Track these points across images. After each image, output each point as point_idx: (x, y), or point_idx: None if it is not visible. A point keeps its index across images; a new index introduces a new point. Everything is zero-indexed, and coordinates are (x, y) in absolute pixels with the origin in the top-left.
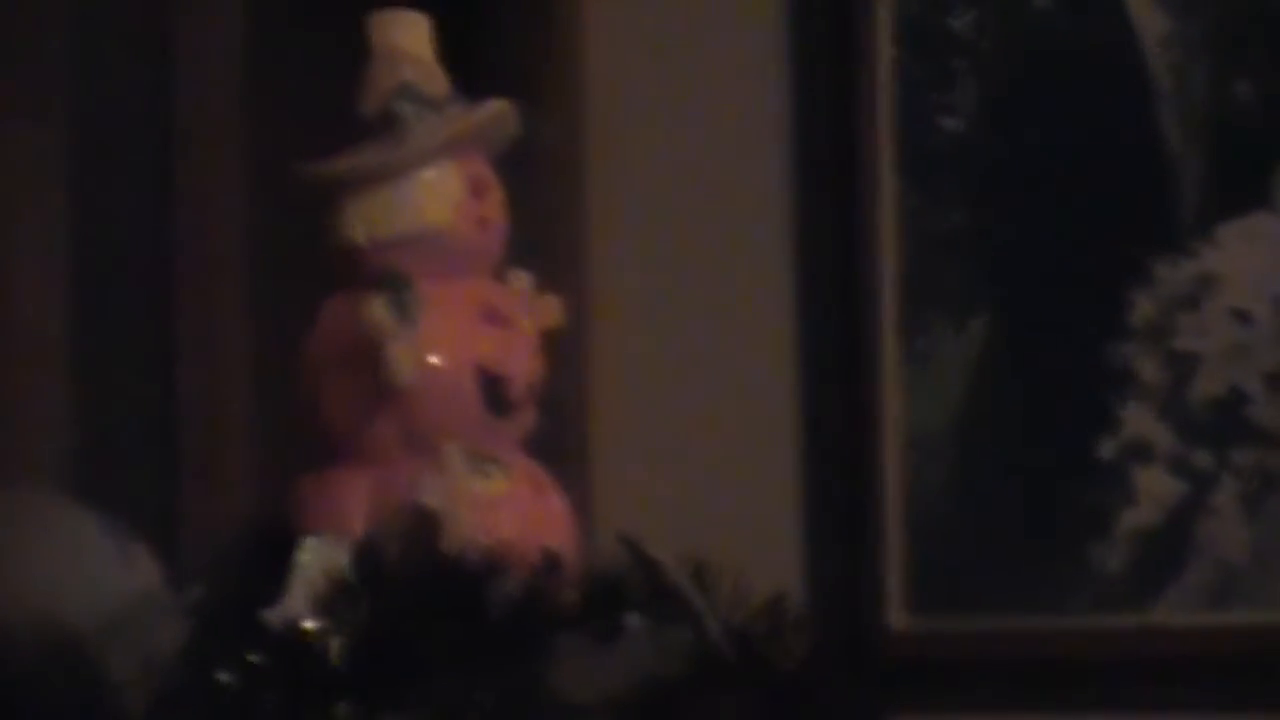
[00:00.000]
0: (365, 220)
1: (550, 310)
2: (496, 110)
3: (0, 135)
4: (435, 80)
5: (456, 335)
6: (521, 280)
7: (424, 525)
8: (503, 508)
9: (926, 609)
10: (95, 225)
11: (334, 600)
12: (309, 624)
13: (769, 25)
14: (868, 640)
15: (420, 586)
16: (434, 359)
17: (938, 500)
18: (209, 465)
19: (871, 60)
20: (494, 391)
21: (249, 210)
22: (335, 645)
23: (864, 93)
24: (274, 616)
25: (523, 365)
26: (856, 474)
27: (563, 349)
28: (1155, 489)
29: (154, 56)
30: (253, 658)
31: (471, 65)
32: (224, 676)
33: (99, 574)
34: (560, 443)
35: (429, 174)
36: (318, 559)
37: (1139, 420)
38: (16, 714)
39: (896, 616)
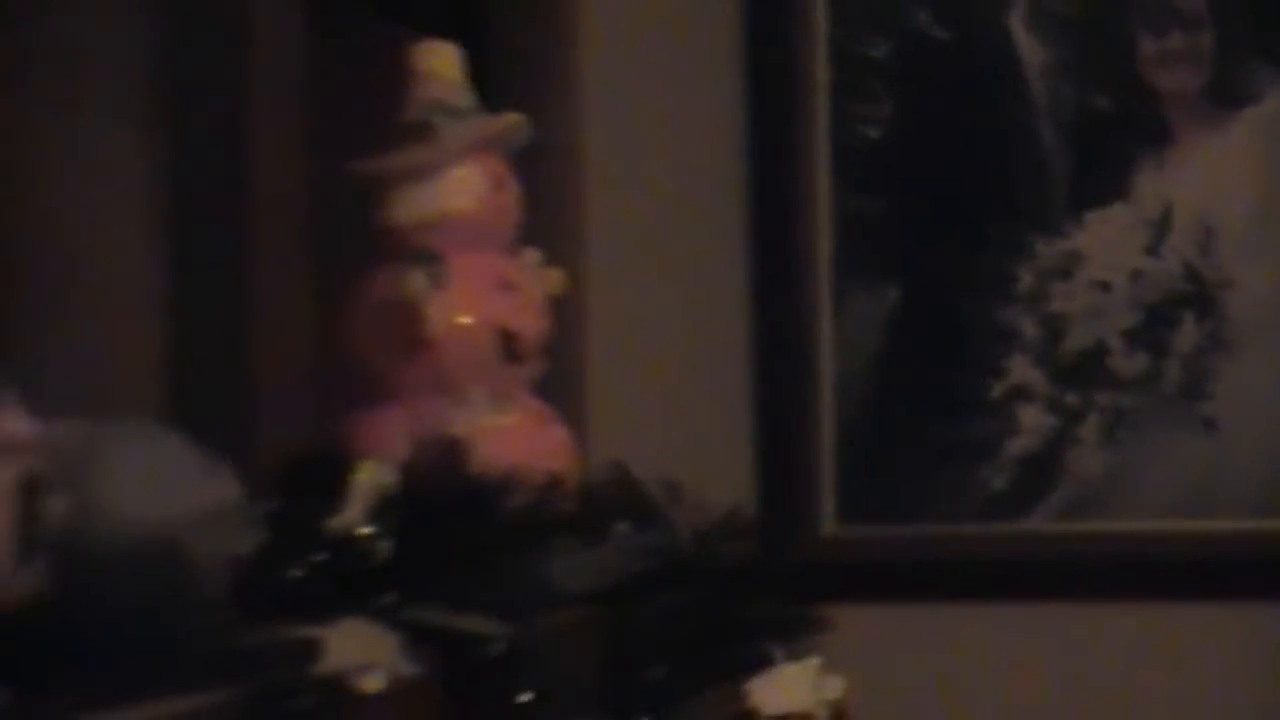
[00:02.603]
0: (406, 206)
1: (553, 280)
2: (510, 121)
3: (94, 120)
4: (462, 96)
5: (478, 299)
6: (530, 256)
7: (451, 451)
8: (514, 437)
9: (851, 519)
10: (182, 200)
11: (381, 511)
12: (362, 530)
13: (730, 54)
14: (804, 544)
15: (448, 499)
16: (459, 318)
17: (860, 431)
18: (278, 401)
19: (810, 82)
20: (508, 344)
21: (312, 191)
22: (382, 547)
23: (804, 107)
24: (334, 524)
25: (531, 323)
26: (796, 411)
27: (563, 310)
28: (1033, 423)
29: (229, 64)
30: (315, 557)
31: (490, 81)
32: (292, 572)
33: (189, 488)
34: (561, 385)
35: (457, 171)
36: (369, 478)
37: (1021, 368)
38: (123, 600)
39: (827, 525)
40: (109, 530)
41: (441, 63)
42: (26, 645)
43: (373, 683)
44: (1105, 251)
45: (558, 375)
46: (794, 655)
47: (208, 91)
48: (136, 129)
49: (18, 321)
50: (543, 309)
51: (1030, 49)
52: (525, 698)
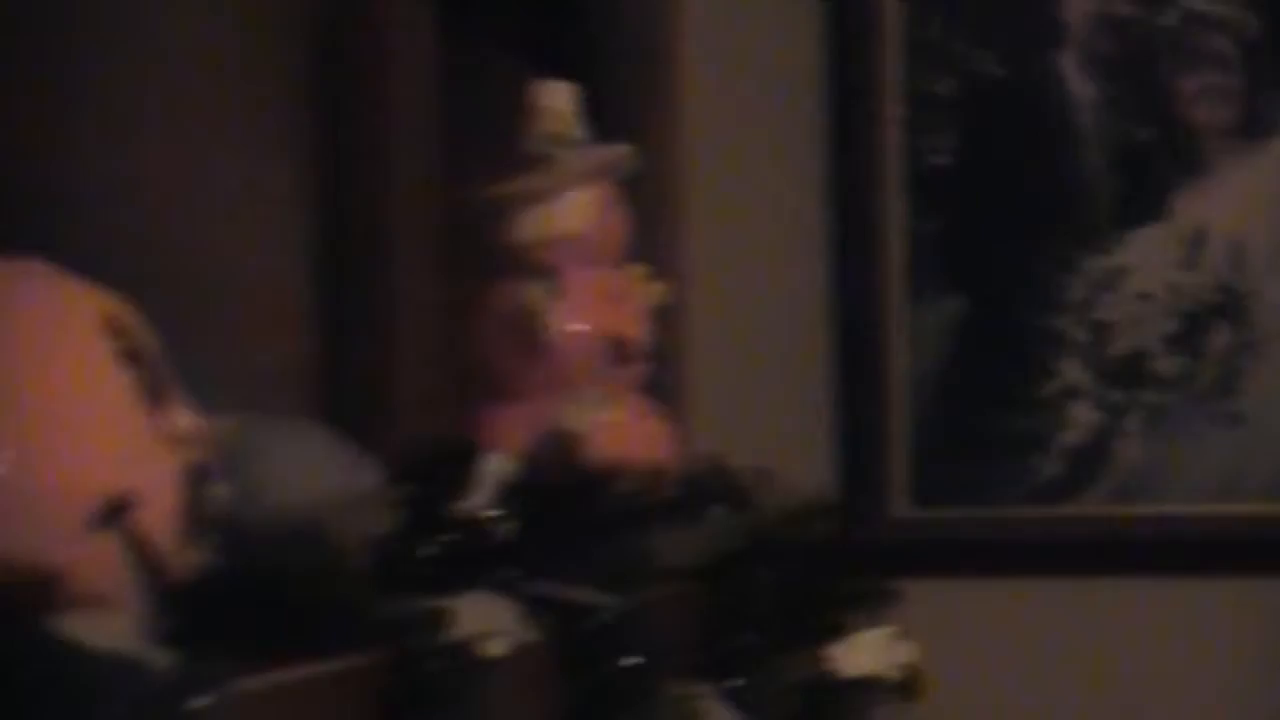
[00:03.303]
0: (527, 226)
1: (656, 291)
2: (618, 151)
3: (251, 148)
4: (576, 129)
5: (590, 309)
6: (636, 270)
7: (567, 444)
8: (622, 431)
9: (921, 503)
10: (329, 218)
11: (505, 496)
12: (487, 513)
13: (815, 91)
14: (878, 525)
15: (564, 486)
16: (574, 326)
17: (930, 425)
18: (414, 399)
19: (885, 117)
20: (616, 349)
21: (445, 211)
22: (505, 528)
23: (880, 138)
24: (462, 508)
25: (637, 330)
26: (872, 407)
27: (665, 319)
28: (1082, 418)
29: (372, 97)
30: (446, 537)
31: (601, 114)
32: (425, 550)
33: (335, 476)
34: (664, 385)
35: (571, 195)
36: (495, 467)
37: (1071, 369)
38: (278, 575)
39: (900, 508)
40: (265, 514)
41: (559, 99)
42: (194, 614)
43: (496, 648)
44: (1146, 266)
45: (660, 376)
46: (869, 624)
47: (352, 121)
48: (288, 155)
49: (185, 329)
50: (647, 317)
51: (1080, 87)
52: (630, 661)
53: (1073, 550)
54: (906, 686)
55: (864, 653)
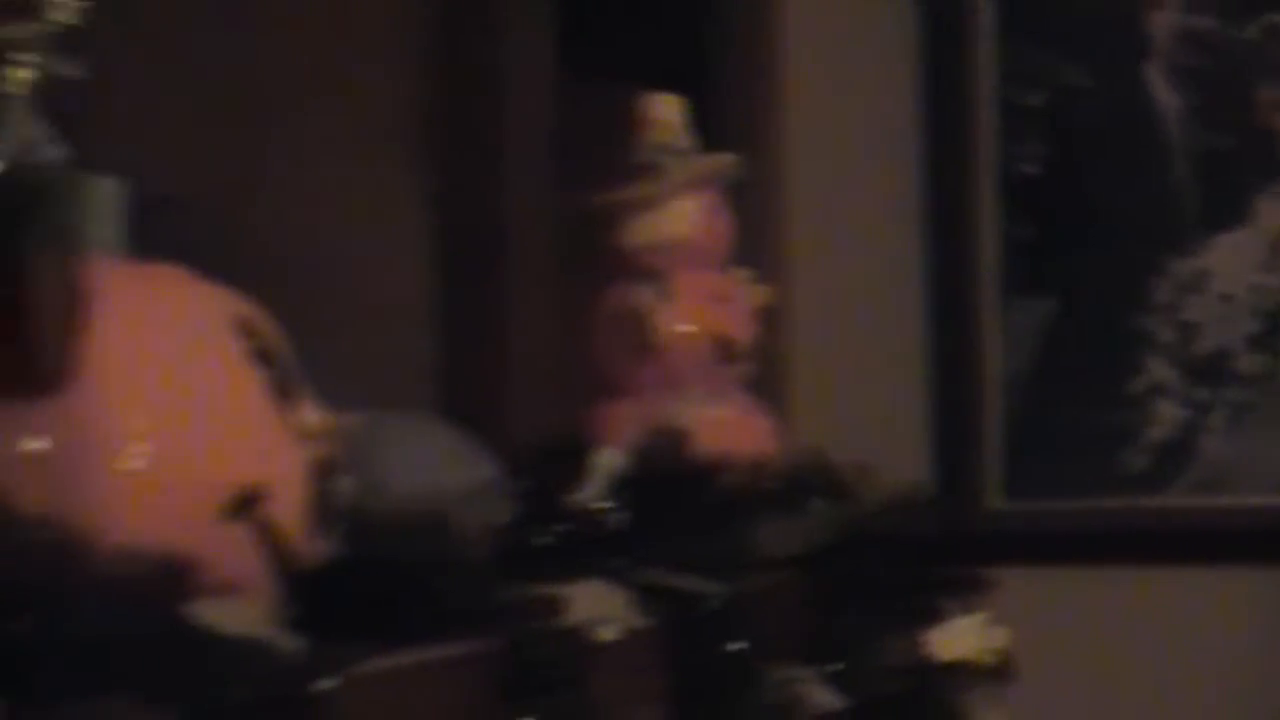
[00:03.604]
0: (637, 232)
1: (760, 293)
2: (724, 161)
3: (374, 156)
4: (684, 140)
5: (697, 310)
6: (741, 273)
7: (675, 439)
8: (727, 426)
9: (1014, 495)
10: (449, 224)
11: (616, 488)
12: (599, 504)
13: (912, 102)
14: (973, 517)
15: (672, 479)
16: (682, 327)
17: (1022, 421)
18: (530, 396)
19: (979, 127)
20: (722, 349)
21: (560, 217)
22: (616, 518)
23: (974, 148)
24: (576, 499)
25: (742, 331)
26: (968, 404)
27: (768, 320)
28: (1168, 414)
29: (490, 107)
30: (560, 527)
31: (708, 125)
32: (541, 540)
33: (455, 469)
34: (767, 382)
35: (679, 203)
36: (607, 461)
37: (1158, 367)
38: (400, 563)
39: (994, 500)
40: (388, 505)
41: (667, 111)
42: (321, 601)
43: (608, 633)
44: (1229, 268)
45: (764, 374)
46: (965, 610)
47: (471, 131)
48: (410, 165)
49: (313, 330)
50: (752, 318)
51: (1164, 96)
52: (736, 646)
53: (1158, 540)
54: (999, 670)
55: (958, 638)
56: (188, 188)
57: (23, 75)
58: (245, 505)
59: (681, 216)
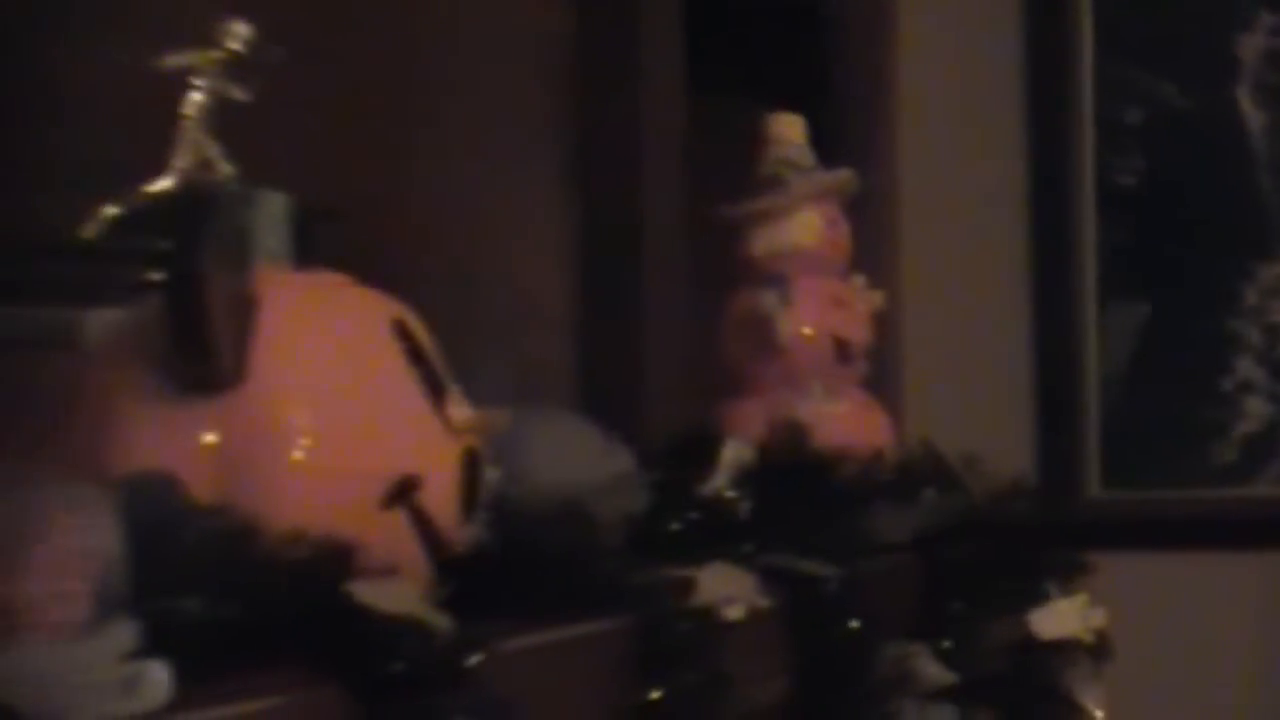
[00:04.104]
0: (762, 241)
1: (875, 298)
2: (843, 176)
3: (519, 171)
4: (805, 156)
5: (817, 314)
6: (858, 280)
7: (797, 433)
8: (845, 421)
9: (1112, 485)
10: (589, 233)
11: (742, 479)
12: (727, 494)
13: (1016, 120)
14: (1074, 505)
15: (794, 470)
16: (803, 329)
17: (1119, 417)
18: (663, 393)
19: (1081, 143)
20: (840, 349)
21: (691, 226)
22: (742, 507)
23: (1075, 162)
24: (706, 489)
25: (859, 333)
26: (1069, 401)
27: (883, 323)
28: (1256, 410)
29: (627, 124)
30: (690, 515)
31: (827, 142)
32: (673, 526)
33: (593, 461)
34: (882, 380)
35: (801, 214)
36: (734, 454)
37: (1246, 367)
38: (542, 549)
39: (1093, 490)
40: (532, 495)
41: (790, 129)
42: (470, 582)
43: (735, 613)
44: None
45: (879, 373)
46: (1065, 593)
47: (609, 146)
48: (553, 177)
49: (462, 331)
50: (868, 321)
51: (1253, 114)
52: (853, 625)
53: (1245, 528)
54: (1097, 649)
55: (1060, 618)
56: (347, 200)
57: (198, 99)
58: (401, 494)
59: (803, 227)
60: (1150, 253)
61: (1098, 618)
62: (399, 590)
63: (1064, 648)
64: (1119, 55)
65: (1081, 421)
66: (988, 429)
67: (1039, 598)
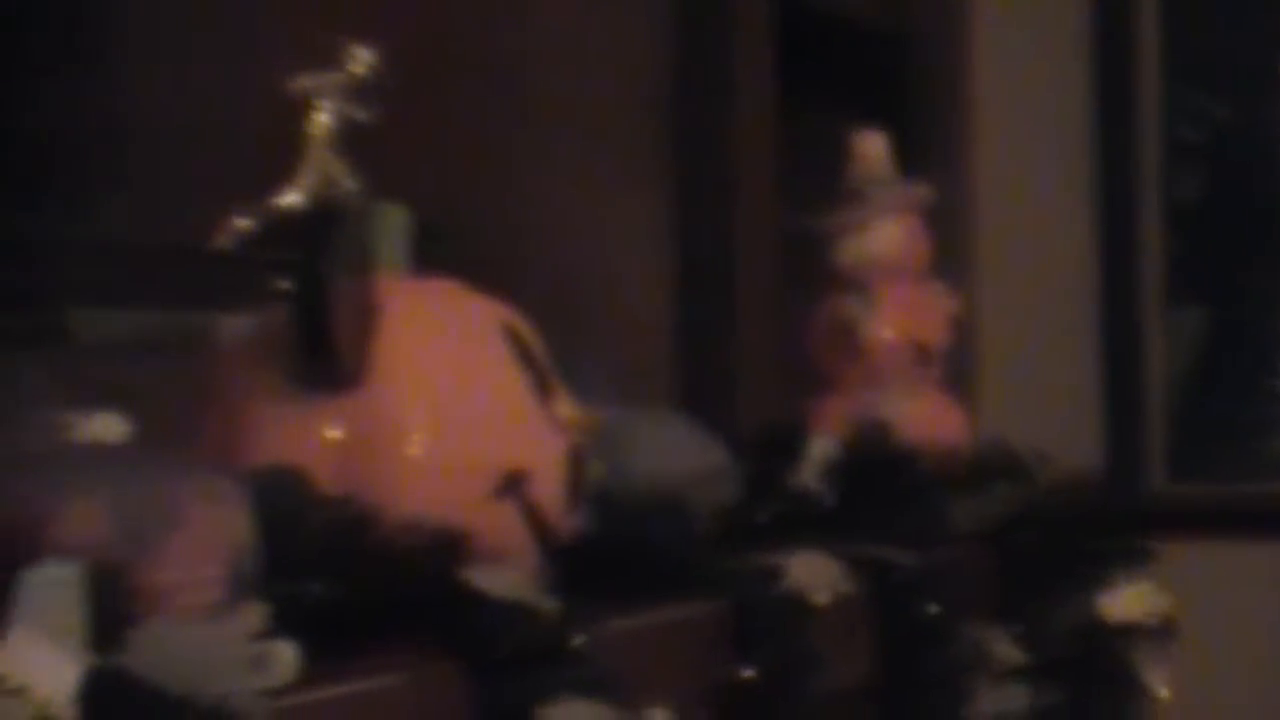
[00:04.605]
0: (847, 251)
1: (952, 304)
2: (922, 190)
3: (620, 187)
4: (888, 171)
5: (898, 318)
6: (936, 286)
7: (879, 430)
8: (924, 419)
9: (1175, 479)
10: (686, 243)
11: (828, 472)
12: (814, 485)
13: (1084, 139)
14: (1139, 497)
15: (876, 464)
16: (885, 332)
17: (1182, 415)
18: (755, 392)
19: (1146, 159)
20: (920, 352)
21: (781, 237)
22: (828, 498)
23: (1141, 177)
24: (794, 482)
25: (937, 336)
26: (1134, 399)
27: (960, 327)
28: None
29: (722, 141)
30: (780, 506)
31: (909, 158)
32: (763, 517)
33: (690, 456)
34: (958, 380)
35: (884, 226)
36: (821, 449)
37: None
38: (643, 536)
39: (1157, 483)
40: (633, 487)
41: (874, 147)
42: (575, 568)
43: (821, 597)
44: None
45: (956, 373)
46: (1131, 578)
47: (705, 165)
48: (654, 194)
49: (569, 336)
50: (945, 325)
51: None
52: (932, 609)
53: None
54: (1162, 632)
55: (1126, 602)
56: (462, 215)
57: (324, 120)
58: (511, 486)
59: (885, 237)
60: (1210, 262)
61: (1162, 602)
62: (509, 576)
63: (1130, 631)
64: (1182, 78)
65: (1146, 419)
66: (1058, 426)
67: (1106, 583)
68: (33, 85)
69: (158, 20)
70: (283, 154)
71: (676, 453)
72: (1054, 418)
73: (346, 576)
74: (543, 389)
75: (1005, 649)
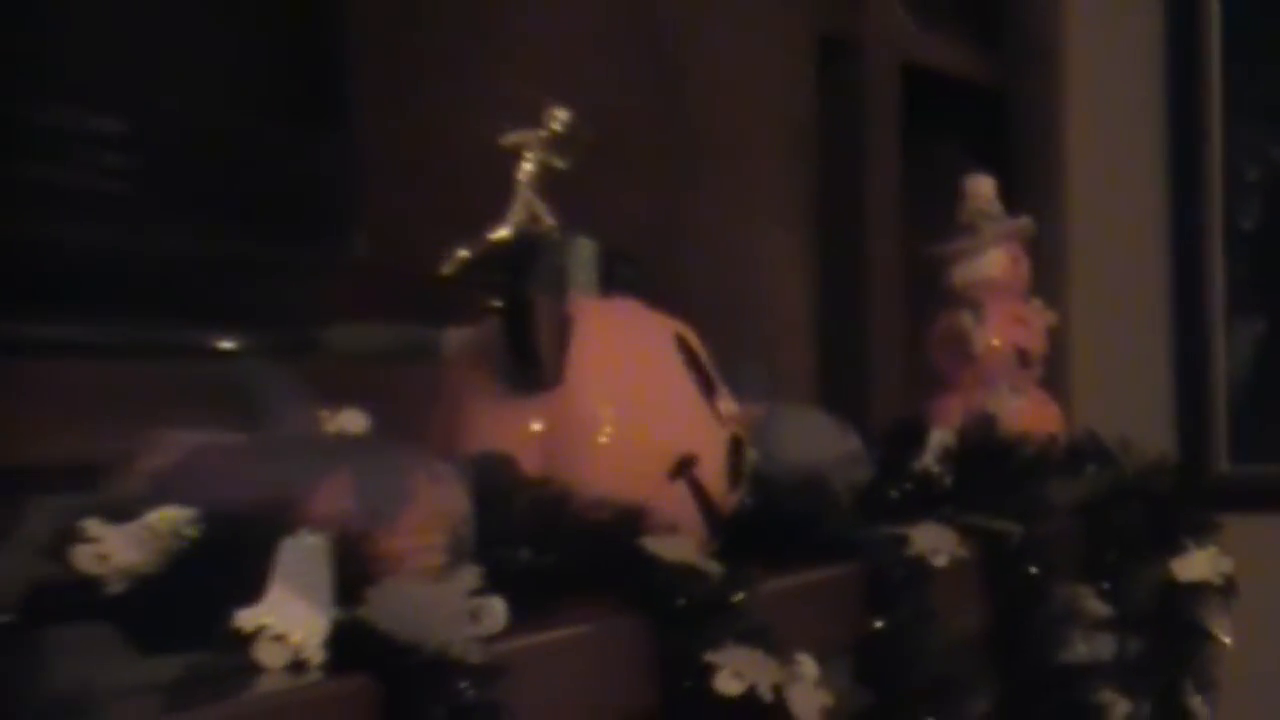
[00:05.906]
0: (961, 273)
1: (1050, 317)
2: (1024, 222)
3: (767, 216)
4: (995, 207)
5: (1004, 329)
6: (1036, 302)
7: (988, 422)
8: (1026, 413)
9: (1237, 461)
10: (825, 263)
11: (946, 457)
12: (934, 468)
13: (1158, 173)
14: (1207, 478)
15: (986, 450)
16: (993, 341)
17: (1243, 409)
18: (885, 390)
19: (1212, 191)
20: (1022, 357)
21: (907, 260)
22: (946, 479)
23: (1207, 208)
24: (918, 465)
25: (1037, 344)
26: (1201, 396)
27: (1056, 336)
28: None
29: (854, 178)
30: (905, 485)
31: (1012, 195)
32: (892, 494)
33: (831, 443)
34: (1055, 381)
35: (992, 252)
36: (939, 438)
37: None
38: (791, 512)
39: (1222, 466)
40: (783, 470)
41: (983, 186)
42: (735, 539)
43: (940, 561)
44: None
45: (1052, 374)
46: (1200, 545)
47: (842, 201)
48: (796, 222)
49: (729, 344)
50: (1043, 334)
51: None
52: (1033, 571)
53: None
54: (1226, 590)
55: (1196, 565)
56: (642, 245)
57: (528, 168)
58: (682, 469)
59: (993, 262)
60: (1266, 280)
61: (1226, 565)
62: (681, 543)
63: (1199, 589)
64: (1244, 122)
65: (1213, 411)
66: (1138, 418)
67: (1179, 550)
68: (294, 135)
69: (397, 84)
70: (496, 196)
71: (819, 442)
72: (1134, 411)
73: (546, 544)
74: (708, 388)
75: (1094, 604)
